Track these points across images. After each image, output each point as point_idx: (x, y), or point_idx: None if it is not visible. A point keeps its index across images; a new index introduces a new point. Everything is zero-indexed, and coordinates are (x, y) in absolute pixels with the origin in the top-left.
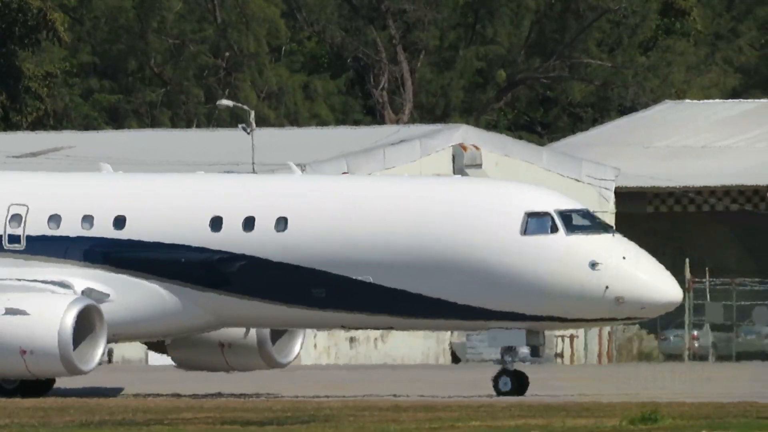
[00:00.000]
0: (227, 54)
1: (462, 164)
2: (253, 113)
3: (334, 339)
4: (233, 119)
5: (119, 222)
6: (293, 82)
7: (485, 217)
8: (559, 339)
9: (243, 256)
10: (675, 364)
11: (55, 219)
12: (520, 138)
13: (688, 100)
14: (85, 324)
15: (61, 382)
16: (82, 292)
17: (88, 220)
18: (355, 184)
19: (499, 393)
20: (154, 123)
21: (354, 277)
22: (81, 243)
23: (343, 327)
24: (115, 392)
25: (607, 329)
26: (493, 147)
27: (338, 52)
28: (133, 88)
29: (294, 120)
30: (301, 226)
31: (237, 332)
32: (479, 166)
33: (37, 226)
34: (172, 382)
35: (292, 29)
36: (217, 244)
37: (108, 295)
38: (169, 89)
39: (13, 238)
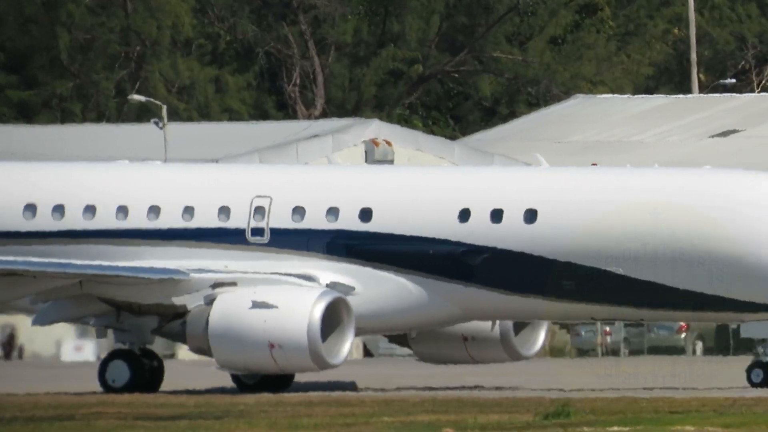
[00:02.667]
0: (137, 48)
1: (374, 159)
2: (165, 108)
3: None
4: (144, 113)
5: (366, 214)
6: (204, 75)
7: (738, 209)
8: None
9: (491, 249)
10: (588, 359)
11: (299, 211)
12: (432, 133)
13: (600, 95)
14: (332, 317)
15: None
16: (327, 285)
17: (333, 212)
18: (603, 175)
19: (753, 385)
20: (64, 116)
21: (603, 269)
22: (326, 235)
23: (592, 319)
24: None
25: None
26: (405, 142)
27: (249, 47)
28: (43, 81)
29: (205, 114)
30: (550, 218)
31: (480, 325)
32: (391, 161)
33: (280, 218)
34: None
35: (203, 23)
36: (464, 236)
37: (353, 288)
38: (79, 82)
39: (257, 231)
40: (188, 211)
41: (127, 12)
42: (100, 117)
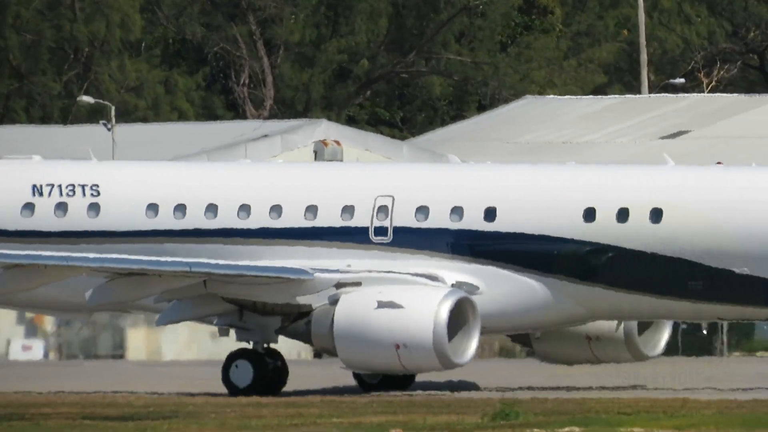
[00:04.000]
0: (86, 49)
1: (323, 160)
2: (113, 109)
3: (196, 333)
4: (91, 114)
5: (490, 214)
6: (153, 77)
7: None
8: None
9: (617, 248)
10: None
11: (422, 210)
12: (381, 133)
13: (549, 96)
14: (458, 317)
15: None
16: (452, 285)
17: (457, 211)
18: (730, 174)
19: None
20: (7, 116)
21: (730, 269)
22: (449, 235)
23: (719, 319)
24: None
25: None
26: (354, 142)
27: (199, 48)
28: None
29: (155, 115)
30: (676, 217)
31: (604, 324)
32: (340, 161)
33: (404, 217)
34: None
35: (152, 24)
36: (590, 236)
37: (477, 288)
38: (26, 83)
39: (380, 230)
40: (311, 210)
41: (76, 13)
42: (47, 118)
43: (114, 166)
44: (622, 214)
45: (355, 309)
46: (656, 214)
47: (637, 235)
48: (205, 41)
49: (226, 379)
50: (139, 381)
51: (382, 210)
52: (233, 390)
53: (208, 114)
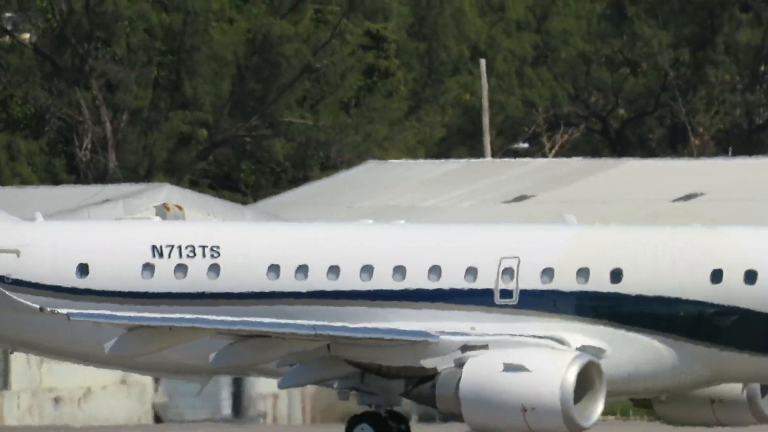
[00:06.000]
0: None
1: None
2: None
3: (38, 399)
4: None
5: (616, 275)
6: None
7: None
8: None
9: (745, 310)
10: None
11: (548, 272)
12: (224, 197)
13: (392, 160)
14: (584, 380)
15: None
16: (578, 348)
17: (582, 273)
18: None
19: None
20: None
21: None
22: (575, 297)
23: None
24: None
25: (311, 389)
26: (196, 206)
27: (41, 113)
28: None
29: None
30: None
31: (727, 387)
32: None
33: (529, 279)
34: None
35: None
36: (717, 298)
37: (604, 351)
38: None
39: (506, 293)
40: (434, 271)
41: None
42: None
43: (234, 226)
44: (750, 277)
45: (482, 372)
46: None
47: (765, 297)
48: (47, 106)
49: None
50: None
51: (507, 272)
52: None
53: (51, 178)
